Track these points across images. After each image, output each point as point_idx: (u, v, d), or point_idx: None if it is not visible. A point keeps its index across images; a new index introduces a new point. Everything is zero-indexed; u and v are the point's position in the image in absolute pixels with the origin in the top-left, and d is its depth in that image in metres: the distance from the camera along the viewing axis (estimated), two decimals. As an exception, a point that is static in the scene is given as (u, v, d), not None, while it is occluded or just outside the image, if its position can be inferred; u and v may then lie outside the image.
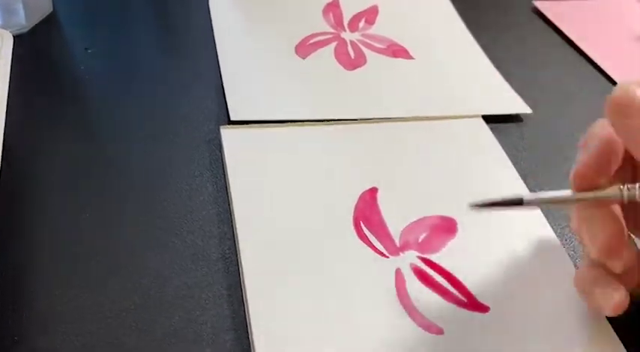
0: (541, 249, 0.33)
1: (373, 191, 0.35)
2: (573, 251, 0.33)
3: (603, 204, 0.28)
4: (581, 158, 0.28)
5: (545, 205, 0.29)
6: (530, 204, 0.29)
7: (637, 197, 0.27)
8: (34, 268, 0.30)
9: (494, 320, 0.29)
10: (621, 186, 0.27)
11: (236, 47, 0.45)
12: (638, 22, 0.53)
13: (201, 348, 0.28)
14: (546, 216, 0.35)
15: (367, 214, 0.34)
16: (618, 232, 0.27)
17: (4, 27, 0.43)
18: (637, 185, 0.27)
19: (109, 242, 0.32)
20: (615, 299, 0.27)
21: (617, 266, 0.27)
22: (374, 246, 0.32)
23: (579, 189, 0.28)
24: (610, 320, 0.30)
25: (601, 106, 0.48)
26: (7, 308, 0.29)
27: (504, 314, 0.30)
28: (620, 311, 0.27)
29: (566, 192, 0.28)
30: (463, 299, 0.30)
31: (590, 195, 0.28)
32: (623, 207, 0.28)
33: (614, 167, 0.28)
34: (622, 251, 0.27)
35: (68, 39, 0.46)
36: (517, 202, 0.29)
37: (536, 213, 0.35)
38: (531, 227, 0.34)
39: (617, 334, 0.29)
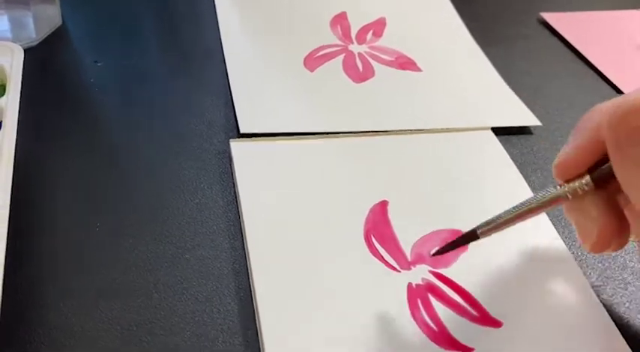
0: (553, 262, 0.33)
1: (384, 204, 0.35)
2: (585, 264, 0.33)
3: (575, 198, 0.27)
4: (566, 148, 0.27)
5: (500, 228, 0.29)
6: (485, 233, 0.29)
7: (578, 189, 0.26)
8: (43, 282, 0.30)
9: (507, 335, 0.29)
10: (568, 184, 0.27)
11: (245, 60, 0.45)
12: (645, 33, 0.53)
13: (213, 363, 0.28)
14: (557, 228, 0.35)
15: (378, 227, 0.34)
16: (605, 227, 0.26)
17: (14, 40, 0.43)
18: (579, 180, 0.26)
19: (118, 256, 0.32)
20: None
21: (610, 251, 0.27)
22: (385, 260, 0.32)
23: (559, 178, 0.27)
24: (624, 334, 0.29)
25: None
26: (18, 322, 0.29)
27: (517, 329, 0.29)
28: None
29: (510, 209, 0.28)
30: (476, 314, 0.30)
31: (536, 199, 0.28)
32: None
33: (595, 159, 0.27)
34: (610, 244, 0.26)
35: (77, 52, 0.46)
36: (472, 236, 0.29)
37: (548, 226, 0.35)
38: (543, 240, 0.34)
39: (631, 348, 0.29)
